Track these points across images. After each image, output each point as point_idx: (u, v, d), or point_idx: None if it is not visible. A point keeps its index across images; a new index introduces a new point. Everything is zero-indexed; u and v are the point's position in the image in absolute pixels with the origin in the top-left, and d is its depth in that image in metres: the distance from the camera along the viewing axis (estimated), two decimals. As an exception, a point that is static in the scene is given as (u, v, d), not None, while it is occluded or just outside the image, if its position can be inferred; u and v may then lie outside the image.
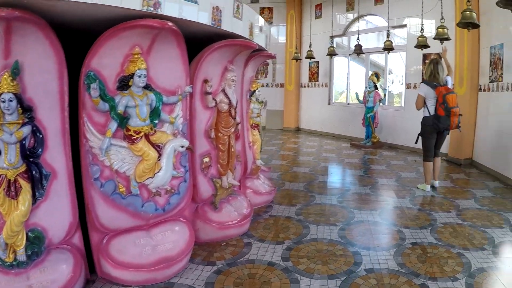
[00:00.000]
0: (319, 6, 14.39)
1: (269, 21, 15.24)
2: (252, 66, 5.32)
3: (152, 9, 2.96)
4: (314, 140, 12.66)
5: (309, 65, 14.75)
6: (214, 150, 4.30)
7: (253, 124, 5.65)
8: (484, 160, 8.73)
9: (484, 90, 8.88)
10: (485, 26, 8.72)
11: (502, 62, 7.98)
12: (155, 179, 3.46)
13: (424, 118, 6.48)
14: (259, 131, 5.82)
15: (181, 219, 3.88)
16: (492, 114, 8.51)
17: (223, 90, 4.21)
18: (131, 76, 3.19)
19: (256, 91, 5.54)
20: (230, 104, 4.25)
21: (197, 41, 3.96)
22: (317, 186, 6.69)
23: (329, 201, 5.82)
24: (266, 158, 8.86)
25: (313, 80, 14.74)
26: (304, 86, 15.16)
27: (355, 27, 12.66)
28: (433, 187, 6.76)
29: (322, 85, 14.35)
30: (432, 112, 6.34)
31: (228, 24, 3.87)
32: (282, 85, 15.36)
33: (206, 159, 4.19)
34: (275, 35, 15.43)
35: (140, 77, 3.21)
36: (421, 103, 6.47)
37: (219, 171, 4.37)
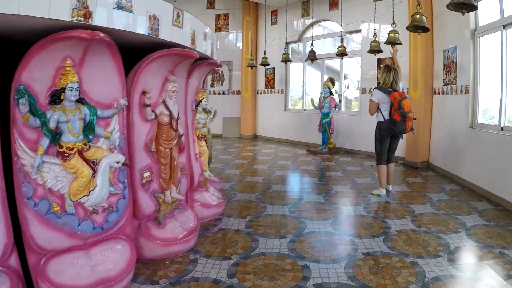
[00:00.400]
0: (275, 12, 14.41)
1: (225, 27, 15.23)
2: (197, 75, 5.15)
3: (82, 19, 2.81)
4: (271, 148, 12.57)
5: (265, 72, 14.70)
6: (156, 164, 4.11)
7: (200, 135, 5.47)
8: (440, 163, 8.83)
9: (439, 93, 9.00)
10: (439, 30, 8.86)
11: (456, 65, 8.10)
12: (91, 196, 3.28)
13: (379, 123, 6.56)
14: (206, 142, 5.66)
15: (122, 237, 3.69)
16: (446, 116, 8.64)
17: (164, 102, 4.03)
18: (63, 89, 3.02)
19: (203, 100, 5.36)
20: (171, 116, 4.07)
21: (139, 51, 3.81)
22: (270, 196, 6.53)
23: (281, 212, 5.66)
24: (220, 168, 8.72)
25: (269, 87, 14.70)
26: (261, 93, 15.11)
27: (311, 33, 12.65)
28: (387, 191, 6.80)
29: (278, 92, 14.34)
30: (387, 117, 6.45)
31: (167, 33, 3.72)
32: (238, 92, 15.27)
33: (147, 174, 4.01)
34: (233, 41, 15.42)
35: (71, 90, 3.03)
36: (375, 108, 6.56)
37: (161, 185, 4.18)
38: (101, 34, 2.95)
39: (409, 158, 9.69)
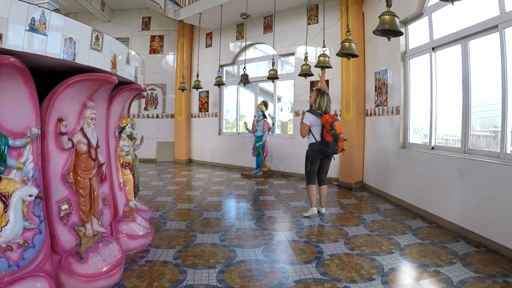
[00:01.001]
0: (209, 35, 14.37)
1: (160, 49, 15.02)
2: (120, 101, 4.91)
3: (-10, 42, 2.61)
4: (205, 172, 12.37)
5: (199, 95, 14.57)
6: (74, 195, 3.86)
7: (124, 163, 5.21)
8: (374, 183, 8.99)
9: (371, 115, 9.20)
10: (370, 53, 9.09)
11: (387, 87, 8.32)
12: (3, 233, 3.03)
13: (311, 145, 6.72)
14: (131, 170, 5.40)
15: (41, 274, 3.42)
16: (379, 137, 8.84)
17: (82, 130, 3.81)
18: (-29, 118, 2.80)
19: (127, 127, 5.12)
20: (89, 144, 3.85)
21: (59, 76, 3.60)
22: (200, 223, 6.30)
23: (211, 240, 5.46)
24: (151, 195, 8.45)
25: (203, 110, 14.55)
26: (195, 117, 14.93)
27: (246, 55, 12.69)
28: (319, 213, 6.88)
29: (213, 115, 14.22)
30: (318, 139, 6.63)
31: (85, 57, 3.51)
32: (172, 116, 15.01)
33: (65, 206, 3.76)
34: (168, 63, 15.18)
35: (-20, 119, 2.82)
36: (307, 131, 6.71)
37: (81, 218, 3.93)
38: (12, 59, 2.77)
39: (343, 179, 9.80)
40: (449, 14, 6.56)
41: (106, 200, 4.46)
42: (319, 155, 6.73)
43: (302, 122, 6.79)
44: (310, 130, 6.73)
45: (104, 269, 4.00)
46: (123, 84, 4.67)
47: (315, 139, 6.71)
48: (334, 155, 6.90)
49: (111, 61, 4.03)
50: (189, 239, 5.53)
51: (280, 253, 5.06)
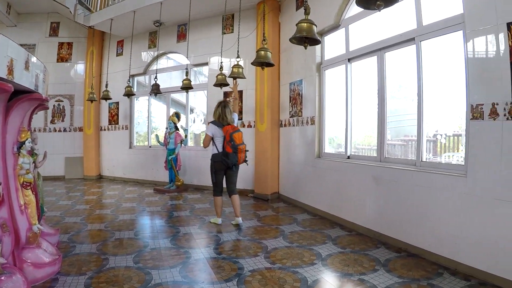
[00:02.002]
0: (121, 43, 13.95)
1: (69, 57, 14.27)
2: (18, 112, 4.41)
3: None
4: (116, 189, 11.82)
5: (109, 107, 14.00)
6: (-34, 222, 3.46)
7: (24, 183, 4.71)
8: (290, 193, 9.09)
9: (285, 125, 9.27)
10: (285, 63, 9.18)
11: (302, 97, 8.40)
12: None
13: (214, 155, 6.96)
14: (33, 190, 4.92)
15: None
16: (293, 147, 8.94)
17: (-27, 145, 3.42)
18: None
19: (27, 141, 4.61)
20: (-19, 162, 3.46)
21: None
22: (112, 245, 5.87)
23: (124, 263, 5.06)
24: (59, 216, 7.86)
25: (113, 123, 13.99)
26: (104, 130, 14.30)
27: (158, 65, 12.46)
28: (237, 225, 6.97)
29: (123, 128, 13.73)
30: (221, 150, 6.86)
31: (-25, 61, 3.10)
32: (81, 129, 14.29)
33: (-45, 236, 3.36)
34: (76, 72, 14.40)
35: None
36: (208, 142, 6.96)
37: (-24, 248, 3.53)
38: None
39: (259, 190, 9.79)
40: (366, 27, 6.72)
41: (5, 226, 4.01)
42: (221, 166, 6.96)
43: (206, 133, 6.99)
44: (213, 141, 6.95)
45: (7, 304, 3.59)
46: (22, 93, 4.24)
47: (217, 150, 6.96)
48: (238, 166, 7.06)
49: (7, 66, 3.58)
50: (100, 263, 5.10)
51: (199, 272, 4.81)
